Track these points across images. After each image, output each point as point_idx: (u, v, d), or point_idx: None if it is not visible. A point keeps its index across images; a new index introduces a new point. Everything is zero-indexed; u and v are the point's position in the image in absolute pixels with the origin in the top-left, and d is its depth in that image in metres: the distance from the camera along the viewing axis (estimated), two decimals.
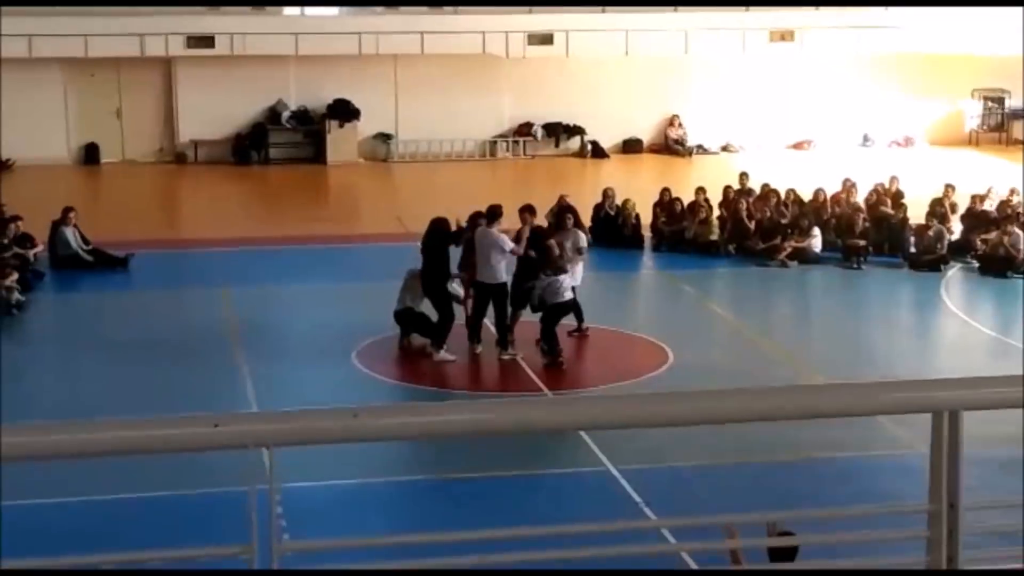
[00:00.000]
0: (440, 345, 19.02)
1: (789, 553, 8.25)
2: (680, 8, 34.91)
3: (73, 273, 23.63)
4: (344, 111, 35.12)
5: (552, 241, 19.56)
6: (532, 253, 19.23)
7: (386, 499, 14.65)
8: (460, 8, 34.38)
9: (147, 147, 35.20)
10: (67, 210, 24.33)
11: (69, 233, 24.10)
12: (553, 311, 19.17)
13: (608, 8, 34.63)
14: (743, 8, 35.03)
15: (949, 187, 26.78)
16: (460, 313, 19.30)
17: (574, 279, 19.77)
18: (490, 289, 18.91)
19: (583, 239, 20.51)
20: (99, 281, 23.56)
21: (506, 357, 18.99)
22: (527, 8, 34.46)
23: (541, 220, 21.32)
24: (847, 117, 37.07)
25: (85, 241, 24.27)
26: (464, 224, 19.64)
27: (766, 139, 36.64)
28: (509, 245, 19.05)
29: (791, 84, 36.89)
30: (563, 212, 21.37)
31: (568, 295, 19.24)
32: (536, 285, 19.19)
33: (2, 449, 3.88)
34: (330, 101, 35.12)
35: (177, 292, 22.85)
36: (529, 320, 19.40)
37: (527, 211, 20.25)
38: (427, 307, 19.30)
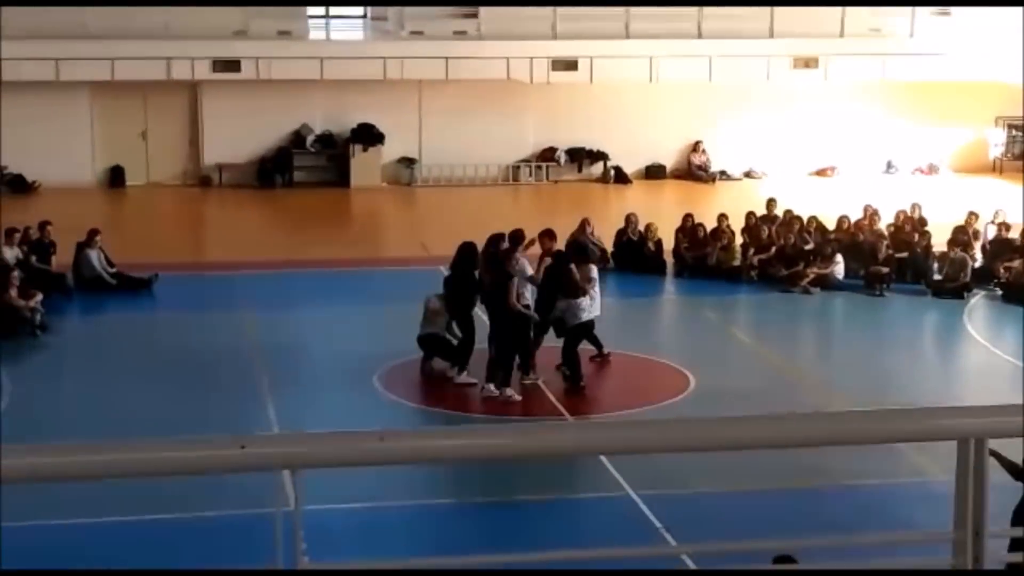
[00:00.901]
0: (463, 368, 19.05)
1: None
2: (704, 36, 34.94)
3: (98, 295, 23.73)
4: (368, 135, 35.21)
5: (572, 265, 19.55)
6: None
7: (407, 523, 14.66)
8: (485, 34, 34.47)
9: (172, 170, 35.33)
10: (92, 232, 24.46)
11: (94, 255, 24.22)
12: (573, 333, 19.18)
13: (632, 35, 34.67)
14: (767, 36, 35.03)
15: (972, 214, 26.73)
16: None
17: (593, 308, 19.62)
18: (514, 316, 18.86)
19: (594, 271, 20.29)
20: (123, 303, 23.65)
21: (528, 382, 18.97)
22: (551, 35, 34.54)
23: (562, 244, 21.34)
24: (870, 144, 37.01)
25: (110, 263, 24.39)
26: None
27: (789, 165, 36.61)
28: (529, 271, 19.09)
29: (815, 111, 36.86)
30: (582, 250, 21.22)
31: (586, 316, 19.21)
32: (556, 308, 19.18)
33: (26, 469, 3.91)
34: (354, 125, 35.21)
35: (200, 315, 22.91)
36: (551, 345, 19.40)
37: (546, 236, 20.28)
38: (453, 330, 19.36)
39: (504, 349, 18.63)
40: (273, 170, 35.11)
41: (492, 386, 18.53)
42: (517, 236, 19.41)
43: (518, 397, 18.49)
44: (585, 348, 19.58)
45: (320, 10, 37.47)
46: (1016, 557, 4.74)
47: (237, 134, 34.80)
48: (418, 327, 19.58)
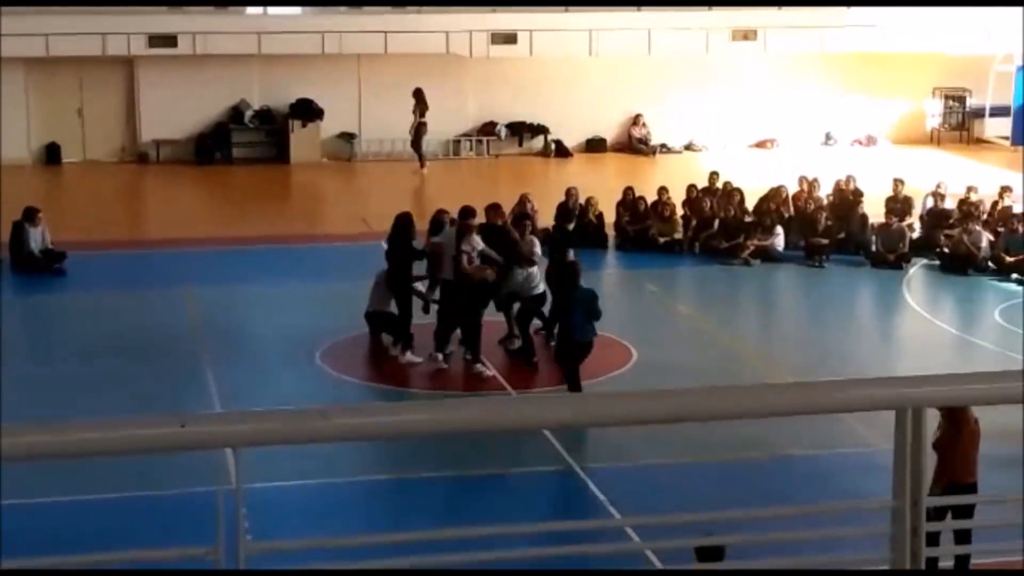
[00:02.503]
0: (407, 347, 18.97)
1: (716, 552, 8.31)
2: (643, 8, 34.98)
3: (33, 274, 23.49)
4: (307, 111, 35.02)
5: (517, 236, 19.49)
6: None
7: (351, 499, 14.63)
8: (423, 8, 34.36)
9: (109, 147, 35.02)
10: (32, 210, 24.21)
11: (36, 233, 23.97)
12: (531, 303, 19.13)
13: (571, 8, 34.66)
14: (706, 8, 35.12)
15: (898, 182, 26.81)
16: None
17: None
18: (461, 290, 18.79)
19: (538, 246, 20.22)
20: (61, 282, 23.43)
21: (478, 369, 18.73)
22: (490, 7, 34.47)
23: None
24: (810, 116, 37.21)
25: (48, 243, 24.16)
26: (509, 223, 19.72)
27: (729, 138, 36.76)
28: (480, 246, 19.02)
29: (754, 83, 37.01)
30: (521, 219, 21.16)
31: (542, 287, 19.17)
32: (510, 280, 19.04)
33: None
34: (293, 101, 35.02)
35: (140, 293, 22.72)
36: (491, 319, 19.37)
37: (492, 210, 20.24)
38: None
39: (470, 323, 18.59)
40: (211, 146, 34.89)
41: (472, 363, 18.50)
42: (467, 211, 19.36)
43: (445, 365, 18.56)
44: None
45: None
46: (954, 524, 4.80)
47: (174, 110, 34.54)
48: (361, 303, 19.52)
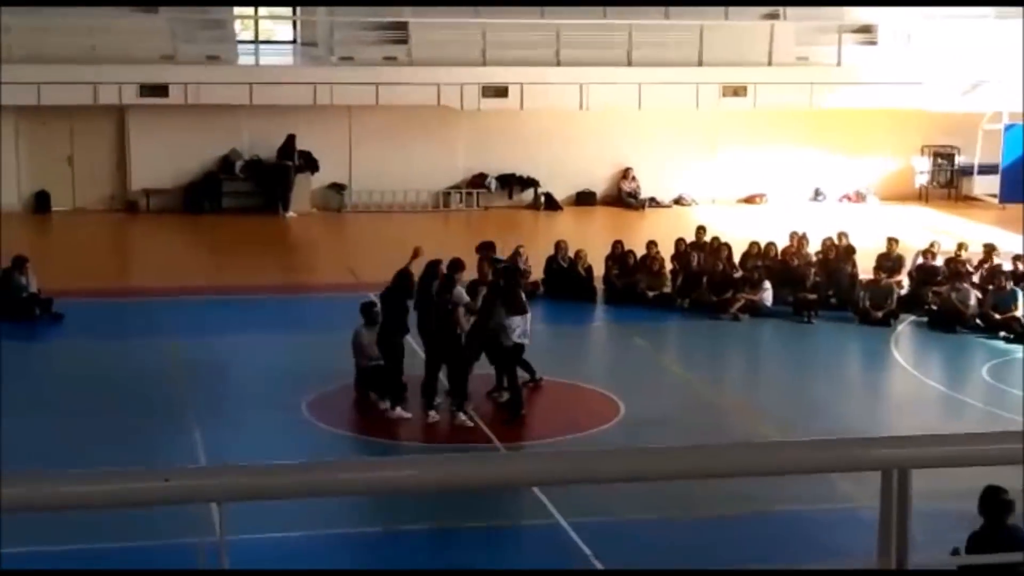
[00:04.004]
0: (397, 401, 18.84)
1: None
2: (634, 63, 35.14)
3: (18, 322, 23.41)
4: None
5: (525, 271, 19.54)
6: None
7: (335, 551, 14.56)
8: (415, 59, 34.49)
9: (98, 195, 35.01)
10: (21, 259, 24.22)
11: (23, 281, 23.98)
12: (508, 355, 19.09)
13: (562, 62, 34.81)
14: (696, 64, 35.28)
15: (892, 240, 26.96)
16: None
17: (525, 334, 19.57)
18: (448, 344, 18.79)
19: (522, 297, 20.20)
20: (48, 331, 23.39)
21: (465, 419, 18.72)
22: (481, 61, 34.61)
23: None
24: (799, 172, 37.36)
25: (35, 290, 24.14)
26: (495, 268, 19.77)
27: (718, 193, 36.88)
28: (467, 299, 19.05)
29: (744, 139, 37.16)
30: (512, 271, 21.20)
31: (519, 339, 19.11)
32: (489, 328, 19.00)
33: None
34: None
35: (126, 342, 22.66)
36: (480, 371, 19.35)
37: (485, 248, 20.26)
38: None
39: (458, 372, 18.62)
40: (201, 195, 34.89)
41: (456, 412, 18.53)
42: (456, 264, 19.41)
43: (437, 418, 18.58)
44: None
45: (250, 35, 37.36)
46: None
47: (165, 159, 34.59)
48: (347, 354, 19.49)
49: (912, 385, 21.81)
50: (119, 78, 33.13)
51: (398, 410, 18.79)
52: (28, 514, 4.15)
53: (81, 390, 19.92)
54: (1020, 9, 32.63)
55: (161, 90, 33.51)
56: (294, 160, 34.48)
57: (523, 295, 19.71)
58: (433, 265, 19.42)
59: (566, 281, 26.08)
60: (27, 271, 24.12)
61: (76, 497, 4.08)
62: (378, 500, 15.49)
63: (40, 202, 34.46)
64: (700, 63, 35.35)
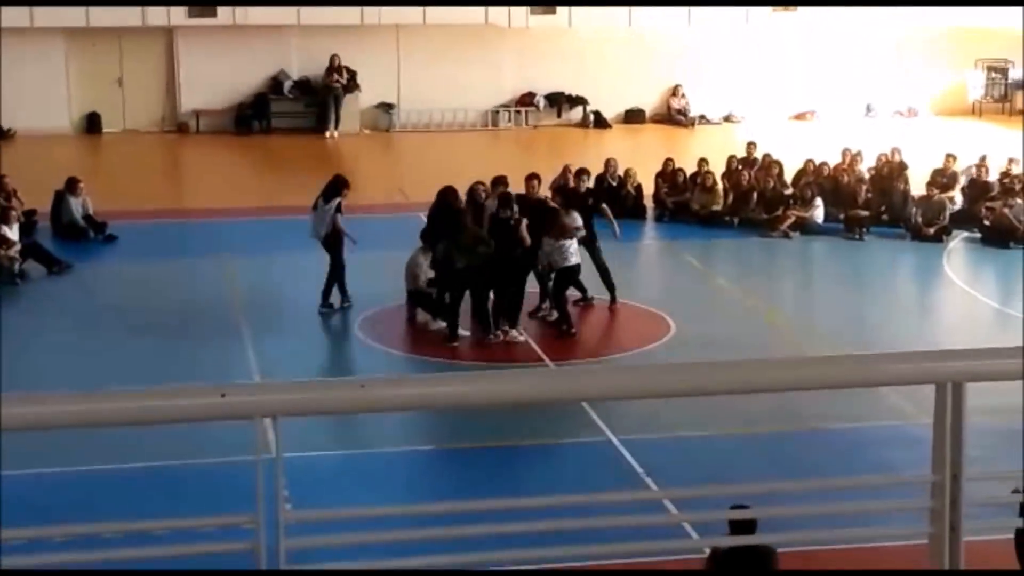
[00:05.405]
0: (447, 320, 18.84)
1: (748, 526, 8.28)
2: None
3: (75, 243, 23.63)
4: (347, 81, 35.03)
5: (558, 206, 19.50)
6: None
7: (386, 469, 14.68)
8: None
9: (149, 117, 35.13)
10: (73, 180, 24.39)
11: (76, 203, 24.17)
12: (562, 275, 19.10)
13: None
14: None
15: (950, 156, 26.72)
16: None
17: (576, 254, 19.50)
18: (511, 261, 18.73)
19: (579, 219, 20.11)
20: (102, 252, 23.58)
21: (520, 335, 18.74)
22: None
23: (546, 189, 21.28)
24: (850, 88, 36.97)
25: (89, 212, 24.32)
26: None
27: (769, 110, 36.57)
28: (578, 221, 19.05)
29: (794, 55, 36.78)
30: (562, 191, 21.16)
31: (575, 259, 19.12)
32: (541, 251, 19.01)
33: (4, 419, 3.90)
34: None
35: (179, 263, 22.83)
36: (528, 290, 19.34)
37: (533, 179, 20.25)
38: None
39: (517, 290, 18.62)
40: (251, 116, 34.95)
41: (508, 330, 18.51)
42: (500, 182, 19.37)
43: (522, 337, 18.55)
44: (569, 293, 19.57)
45: None
46: (994, 498, 4.77)
47: (214, 80, 34.60)
48: (399, 273, 19.53)
49: (965, 301, 21.68)
50: None
51: (447, 329, 18.74)
52: (87, 430, 4.21)
53: (134, 310, 20.10)
54: None
55: (209, 10, 33.48)
56: (341, 79, 34.41)
57: (574, 218, 19.62)
58: (478, 185, 19.45)
59: (615, 200, 25.96)
60: (80, 193, 24.32)
61: (135, 413, 4.13)
62: (429, 419, 15.60)
63: (91, 124, 34.61)
64: None
